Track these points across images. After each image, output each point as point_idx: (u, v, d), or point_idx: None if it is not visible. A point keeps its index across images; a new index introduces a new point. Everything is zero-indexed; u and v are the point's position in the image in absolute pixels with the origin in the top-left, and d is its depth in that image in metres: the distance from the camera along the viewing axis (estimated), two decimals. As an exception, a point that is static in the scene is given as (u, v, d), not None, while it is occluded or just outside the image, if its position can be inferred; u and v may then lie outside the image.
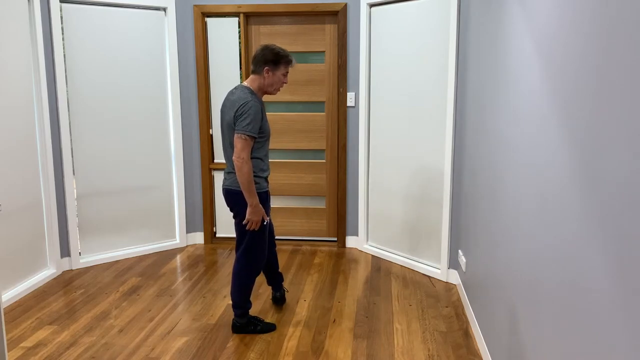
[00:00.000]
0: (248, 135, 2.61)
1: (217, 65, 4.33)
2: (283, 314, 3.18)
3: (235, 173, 2.74)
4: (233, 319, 2.95)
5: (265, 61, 2.71)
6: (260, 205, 2.73)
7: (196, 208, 4.51)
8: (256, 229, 2.76)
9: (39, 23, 3.54)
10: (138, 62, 4.07)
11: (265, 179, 2.83)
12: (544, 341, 1.69)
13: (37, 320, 3.09)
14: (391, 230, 4.12)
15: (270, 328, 2.97)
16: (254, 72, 2.76)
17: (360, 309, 3.24)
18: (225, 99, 2.78)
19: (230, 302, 3.31)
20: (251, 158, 2.71)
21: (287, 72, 2.78)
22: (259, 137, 2.73)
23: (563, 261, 1.52)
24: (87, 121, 3.92)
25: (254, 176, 2.74)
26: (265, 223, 2.80)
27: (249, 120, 2.61)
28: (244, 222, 2.75)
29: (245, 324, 2.93)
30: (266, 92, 2.80)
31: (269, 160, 3.04)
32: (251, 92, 2.72)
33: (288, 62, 2.75)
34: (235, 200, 2.78)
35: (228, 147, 2.78)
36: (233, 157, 2.66)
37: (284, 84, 2.77)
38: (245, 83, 2.78)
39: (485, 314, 2.66)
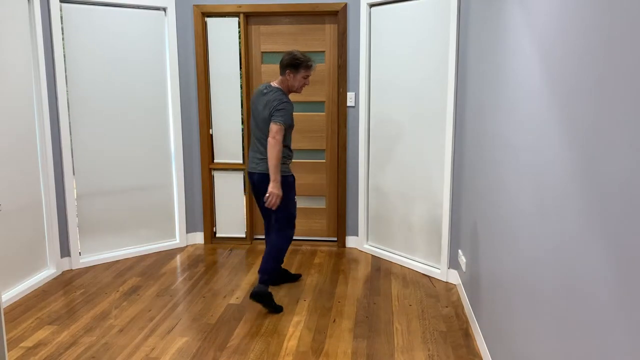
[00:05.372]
0: (283, 124, 3.09)
1: (217, 65, 4.33)
2: (283, 314, 3.18)
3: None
4: (256, 287, 3.14)
5: (288, 65, 3.17)
6: (281, 184, 3.10)
7: (196, 208, 4.51)
8: (275, 205, 3.09)
9: (39, 23, 3.54)
10: (138, 62, 4.07)
11: (288, 165, 3.26)
12: (544, 341, 1.69)
13: (37, 320, 3.10)
14: (391, 230, 4.12)
15: (277, 309, 3.20)
16: (281, 74, 3.23)
17: (360, 309, 3.24)
18: (256, 96, 3.27)
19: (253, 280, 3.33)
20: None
21: (308, 75, 3.21)
22: (288, 129, 3.19)
23: (563, 261, 1.52)
24: (87, 121, 3.92)
25: (284, 159, 3.21)
26: (295, 200, 3.26)
27: (284, 113, 3.11)
28: (266, 196, 3.07)
29: (266, 294, 3.12)
30: (291, 91, 3.25)
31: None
32: (283, 92, 3.20)
33: (307, 67, 3.18)
34: (268, 182, 3.19)
35: (262, 138, 3.22)
36: (269, 138, 3.07)
37: (306, 85, 3.25)
38: (275, 84, 3.23)
39: (485, 314, 2.66)
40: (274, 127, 3.07)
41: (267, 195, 3.07)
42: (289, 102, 3.15)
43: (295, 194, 3.30)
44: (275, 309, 3.19)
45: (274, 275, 3.21)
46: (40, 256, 3.70)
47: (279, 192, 3.08)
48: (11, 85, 3.35)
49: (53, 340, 2.86)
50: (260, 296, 3.12)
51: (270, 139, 3.07)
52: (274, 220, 3.25)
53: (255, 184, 3.26)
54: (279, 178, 3.07)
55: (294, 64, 3.15)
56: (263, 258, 3.22)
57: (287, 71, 3.17)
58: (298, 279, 3.68)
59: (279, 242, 3.24)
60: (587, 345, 1.33)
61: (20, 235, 3.49)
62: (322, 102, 4.32)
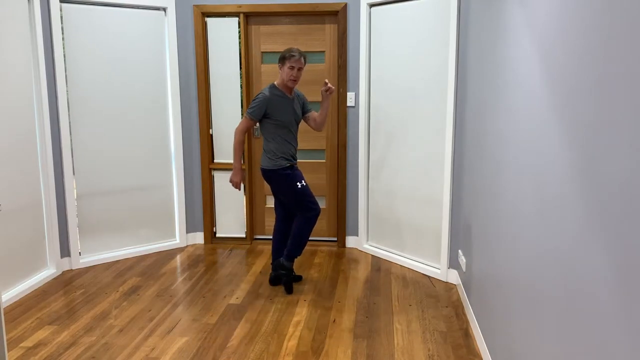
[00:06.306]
0: (248, 116, 3.33)
1: (217, 65, 4.33)
2: (283, 313, 3.18)
3: (266, 152, 3.38)
4: (280, 260, 3.49)
5: (279, 59, 3.35)
6: (238, 171, 3.40)
7: (196, 208, 4.51)
8: (238, 190, 3.58)
9: (39, 23, 3.54)
10: (138, 62, 4.07)
11: (285, 158, 3.38)
12: (544, 341, 1.69)
13: (37, 320, 3.10)
14: (391, 230, 4.12)
15: (287, 289, 3.48)
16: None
17: (360, 309, 3.24)
18: None
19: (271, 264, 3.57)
20: (269, 140, 3.38)
21: (293, 67, 3.28)
22: (273, 122, 3.34)
23: (563, 261, 1.52)
24: (87, 121, 3.92)
25: (274, 156, 3.36)
26: (300, 187, 3.39)
27: (253, 106, 3.32)
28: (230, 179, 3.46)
29: (285, 267, 3.46)
30: (286, 85, 3.37)
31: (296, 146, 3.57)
32: (271, 86, 3.38)
33: (290, 57, 3.27)
34: (268, 176, 3.40)
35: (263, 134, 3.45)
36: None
37: (295, 77, 3.32)
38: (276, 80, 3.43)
39: (485, 314, 2.66)
40: (242, 119, 3.43)
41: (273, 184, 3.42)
42: (267, 95, 3.31)
43: (298, 182, 3.40)
44: (285, 286, 3.48)
45: (297, 251, 3.47)
46: (40, 256, 3.70)
47: (235, 178, 3.42)
48: (11, 85, 3.35)
49: (53, 340, 2.86)
50: (281, 267, 3.48)
51: (235, 129, 3.41)
52: (291, 208, 3.52)
53: (264, 178, 3.47)
54: (236, 165, 3.40)
55: (281, 56, 3.32)
56: (288, 242, 3.49)
57: (279, 65, 3.35)
58: (299, 281, 3.69)
59: (299, 223, 3.45)
60: (587, 345, 1.33)
61: (20, 235, 3.49)
62: (322, 102, 4.32)
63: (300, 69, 3.31)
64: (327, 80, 3.40)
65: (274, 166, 3.36)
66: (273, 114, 3.32)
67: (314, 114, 3.56)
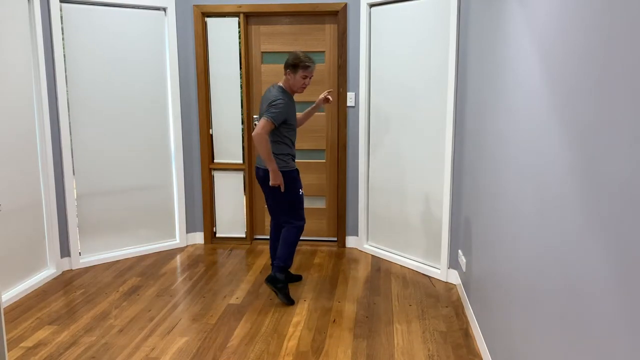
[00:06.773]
0: (271, 120, 3.16)
1: (217, 65, 4.33)
2: (283, 314, 3.18)
3: (276, 154, 3.27)
4: (272, 272, 3.32)
5: (287, 65, 3.25)
6: (279, 173, 3.23)
7: (196, 208, 4.51)
8: (282, 190, 3.30)
9: (39, 23, 3.54)
10: (138, 62, 4.07)
11: (293, 160, 3.36)
12: (544, 341, 1.69)
13: (37, 320, 3.10)
14: (391, 230, 4.12)
15: (288, 299, 3.30)
16: (284, 74, 3.31)
17: (360, 309, 3.24)
18: (263, 96, 3.37)
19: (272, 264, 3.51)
20: (279, 142, 3.28)
21: (306, 76, 3.24)
22: (286, 126, 3.27)
23: (563, 261, 1.52)
24: (87, 121, 3.92)
25: (286, 157, 3.31)
26: (300, 193, 3.36)
27: (276, 111, 3.17)
28: (270, 184, 3.25)
29: (278, 280, 3.28)
30: (293, 91, 3.31)
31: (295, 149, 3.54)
32: (283, 90, 3.27)
33: (305, 67, 3.22)
34: (268, 177, 3.30)
35: None
36: (253, 133, 3.14)
37: (306, 85, 3.29)
38: (280, 83, 3.32)
39: (485, 314, 2.66)
40: (261, 122, 3.17)
41: (272, 184, 3.24)
42: (286, 100, 3.20)
43: (300, 187, 3.37)
44: (286, 298, 3.30)
45: (288, 262, 3.32)
46: (40, 256, 3.70)
47: (279, 180, 3.23)
48: (11, 85, 3.35)
49: (53, 340, 2.86)
50: (272, 281, 3.29)
51: (254, 135, 3.15)
52: (281, 214, 3.37)
53: (261, 179, 3.36)
54: (274, 167, 3.21)
55: (293, 64, 3.22)
56: (278, 253, 3.36)
57: (287, 71, 3.25)
58: (299, 281, 3.69)
59: (288, 234, 3.35)
60: (586, 345, 1.33)
61: (20, 235, 3.49)
62: (322, 102, 4.32)
63: (311, 78, 3.29)
64: (331, 91, 3.46)
65: (285, 167, 3.30)
66: (288, 118, 3.28)
67: None
